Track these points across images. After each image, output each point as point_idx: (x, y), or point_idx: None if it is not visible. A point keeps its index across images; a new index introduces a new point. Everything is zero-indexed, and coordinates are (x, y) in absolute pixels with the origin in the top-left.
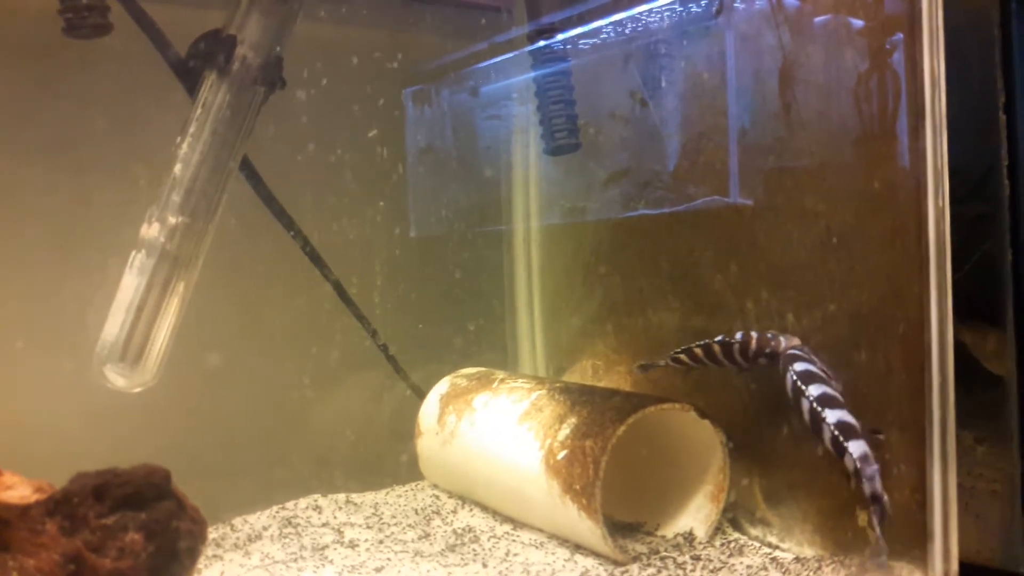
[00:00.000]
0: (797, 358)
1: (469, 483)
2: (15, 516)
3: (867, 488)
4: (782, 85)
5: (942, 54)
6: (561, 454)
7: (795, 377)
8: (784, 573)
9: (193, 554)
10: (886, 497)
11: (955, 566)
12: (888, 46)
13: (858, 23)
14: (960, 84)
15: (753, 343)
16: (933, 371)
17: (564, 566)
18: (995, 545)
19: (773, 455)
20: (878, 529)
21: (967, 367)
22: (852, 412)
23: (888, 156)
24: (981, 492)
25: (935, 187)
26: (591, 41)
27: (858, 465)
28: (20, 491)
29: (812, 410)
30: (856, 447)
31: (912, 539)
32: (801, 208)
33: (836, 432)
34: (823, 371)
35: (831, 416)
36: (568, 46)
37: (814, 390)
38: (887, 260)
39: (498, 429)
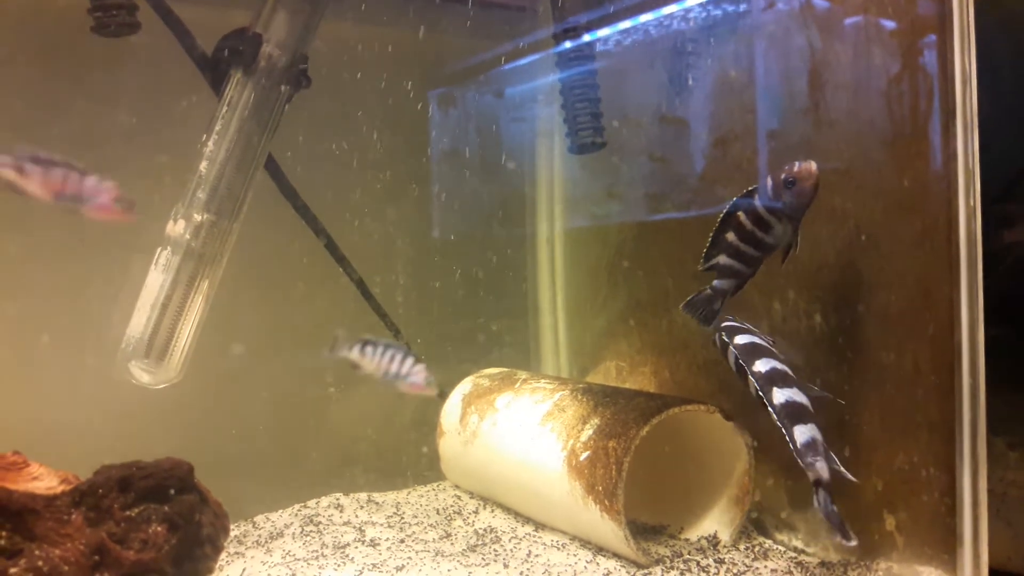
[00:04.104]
0: (736, 330)
1: (491, 483)
2: (41, 506)
3: (810, 475)
4: (811, 85)
5: (973, 53)
6: (584, 455)
7: (737, 353)
8: None
9: (215, 547)
10: (827, 477)
11: (985, 572)
12: (919, 46)
13: (888, 23)
14: (992, 85)
15: (770, 182)
16: (964, 374)
17: (586, 568)
18: None
19: None
20: (824, 511)
21: (999, 371)
22: (800, 383)
23: (918, 156)
24: (1013, 499)
25: (966, 187)
26: (617, 41)
27: (799, 454)
28: (46, 482)
29: (758, 390)
30: (801, 433)
31: (941, 544)
32: (830, 207)
33: (780, 417)
34: (765, 341)
35: (778, 396)
36: (594, 45)
37: (761, 366)
38: (917, 260)
39: (520, 429)
